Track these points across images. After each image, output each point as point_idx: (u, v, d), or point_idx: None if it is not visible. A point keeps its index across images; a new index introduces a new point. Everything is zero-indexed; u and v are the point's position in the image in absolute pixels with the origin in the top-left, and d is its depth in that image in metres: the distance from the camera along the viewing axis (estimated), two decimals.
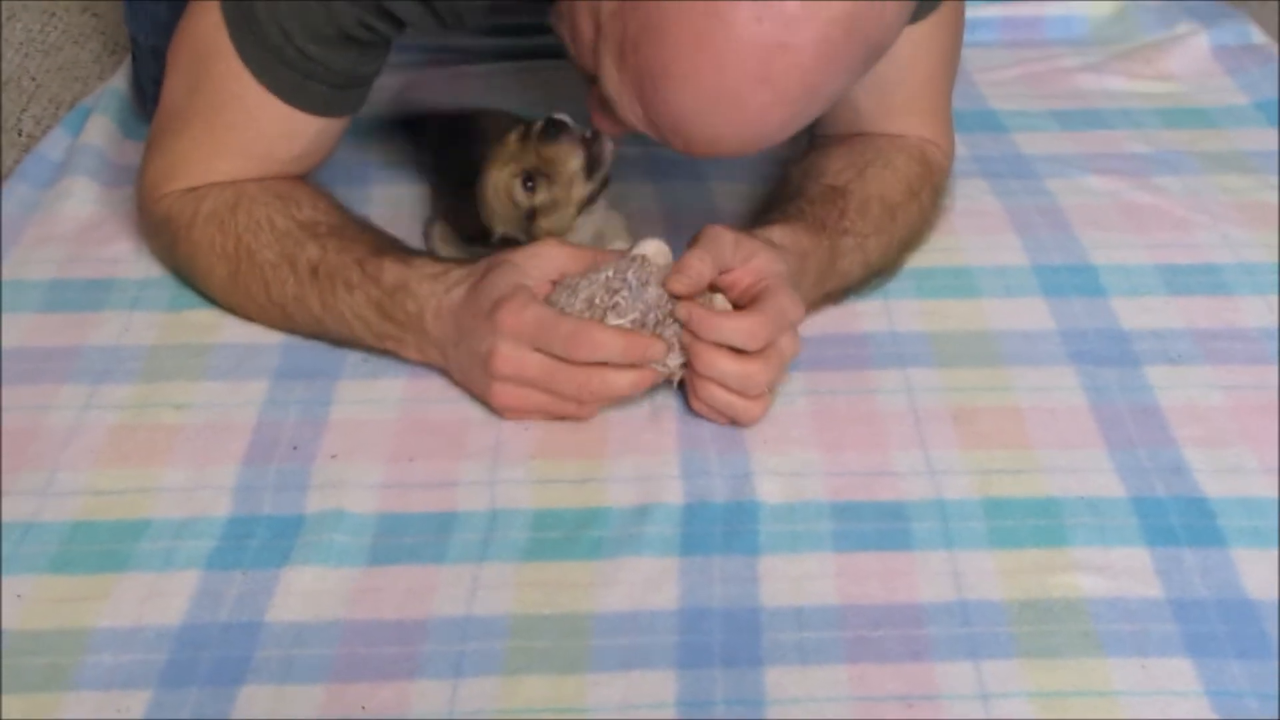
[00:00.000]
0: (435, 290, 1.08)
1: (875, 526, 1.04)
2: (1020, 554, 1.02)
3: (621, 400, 1.11)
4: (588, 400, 1.08)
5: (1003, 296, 1.27)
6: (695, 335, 1.05)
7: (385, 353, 1.14)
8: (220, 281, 1.14)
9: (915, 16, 1.12)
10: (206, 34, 1.13)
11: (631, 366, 1.06)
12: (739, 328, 1.05)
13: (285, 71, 1.12)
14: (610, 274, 1.06)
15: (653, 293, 1.06)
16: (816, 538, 1.03)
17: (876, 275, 1.23)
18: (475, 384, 1.10)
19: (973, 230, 1.35)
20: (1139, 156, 1.49)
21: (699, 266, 1.05)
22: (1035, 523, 1.04)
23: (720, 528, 1.04)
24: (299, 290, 1.11)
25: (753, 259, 1.08)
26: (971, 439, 1.12)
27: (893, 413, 1.14)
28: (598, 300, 1.05)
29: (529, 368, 1.05)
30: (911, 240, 1.26)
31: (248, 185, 1.15)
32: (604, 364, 1.06)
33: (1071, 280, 1.29)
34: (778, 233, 1.13)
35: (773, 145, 0.99)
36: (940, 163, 1.28)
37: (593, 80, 1.03)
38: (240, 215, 1.13)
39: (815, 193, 1.18)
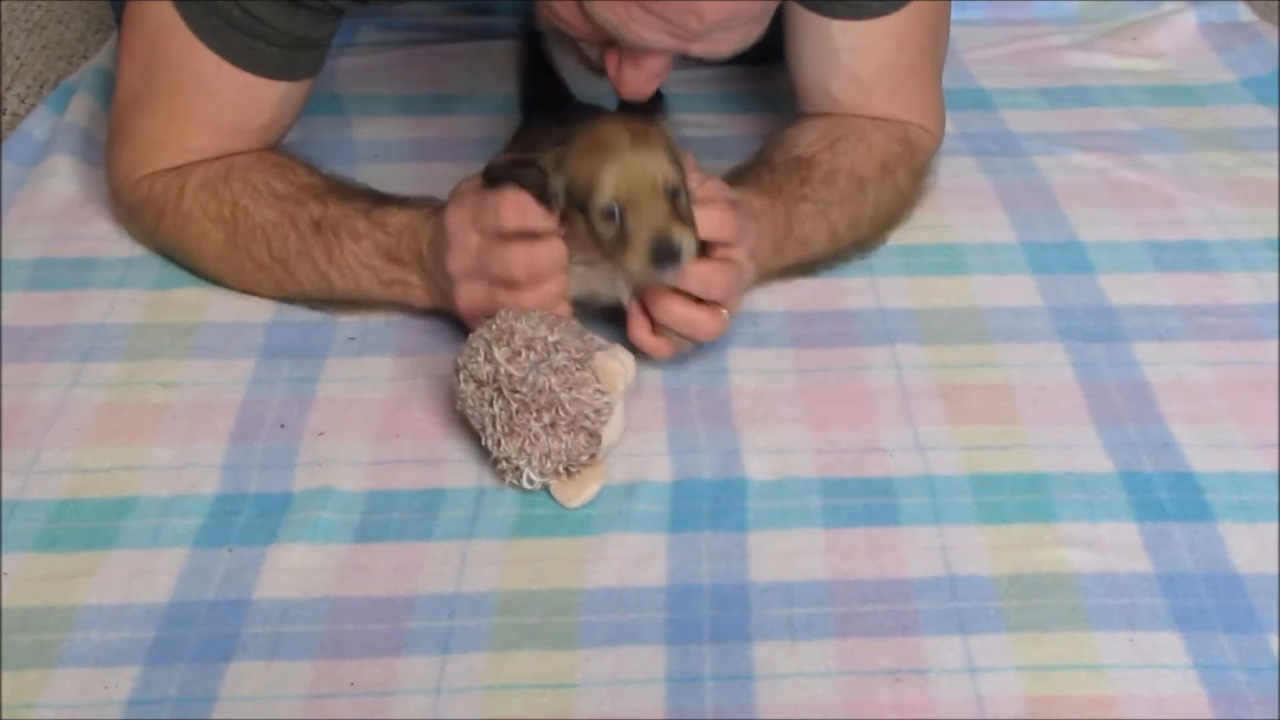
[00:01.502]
0: (431, 222, 1.08)
1: (864, 502, 1.04)
2: (1008, 529, 1.02)
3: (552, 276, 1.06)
4: (529, 275, 1.04)
5: (991, 273, 1.27)
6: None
7: (392, 303, 1.13)
8: (215, 247, 1.13)
9: (887, 6, 1.12)
10: (155, 15, 1.13)
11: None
12: (712, 215, 1.02)
13: (233, 34, 1.10)
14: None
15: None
16: (805, 514, 1.03)
17: (848, 248, 1.22)
18: (451, 302, 1.07)
19: (961, 207, 1.35)
20: (1127, 134, 1.49)
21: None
22: (1024, 498, 1.04)
23: (709, 504, 1.04)
24: (301, 245, 1.09)
25: (707, 182, 1.07)
26: (960, 415, 1.12)
27: (881, 389, 1.14)
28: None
29: (472, 252, 1.03)
30: (888, 217, 1.25)
31: (238, 157, 1.14)
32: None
33: (1060, 257, 1.29)
34: (734, 189, 1.11)
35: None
36: (924, 144, 1.27)
37: (598, 65, 1.03)
38: (235, 182, 1.12)
39: (779, 161, 1.17)
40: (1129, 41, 1.66)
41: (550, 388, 1.00)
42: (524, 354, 1.01)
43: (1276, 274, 1.27)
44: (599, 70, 1.06)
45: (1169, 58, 1.63)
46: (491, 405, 1.02)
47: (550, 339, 1.02)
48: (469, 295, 1.06)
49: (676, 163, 1.03)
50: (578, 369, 1.02)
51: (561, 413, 1.01)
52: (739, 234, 1.05)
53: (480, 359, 1.02)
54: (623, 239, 1.01)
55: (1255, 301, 1.24)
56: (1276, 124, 1.50)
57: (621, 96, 1.07)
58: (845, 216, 1.18)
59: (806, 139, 1.19)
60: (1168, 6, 1.70)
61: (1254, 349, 1.19)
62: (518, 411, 1.01)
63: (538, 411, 1.01)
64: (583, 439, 1.02)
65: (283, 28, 1.11)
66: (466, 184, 1.07)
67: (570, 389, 1.01)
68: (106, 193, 1.34)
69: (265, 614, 0.95)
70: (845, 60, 1.13)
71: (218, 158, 1.15)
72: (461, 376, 1.03)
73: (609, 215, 1.01)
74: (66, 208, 1.34)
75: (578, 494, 1.04)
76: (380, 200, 1.11)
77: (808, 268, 1.20)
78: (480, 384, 1.02)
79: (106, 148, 1.22)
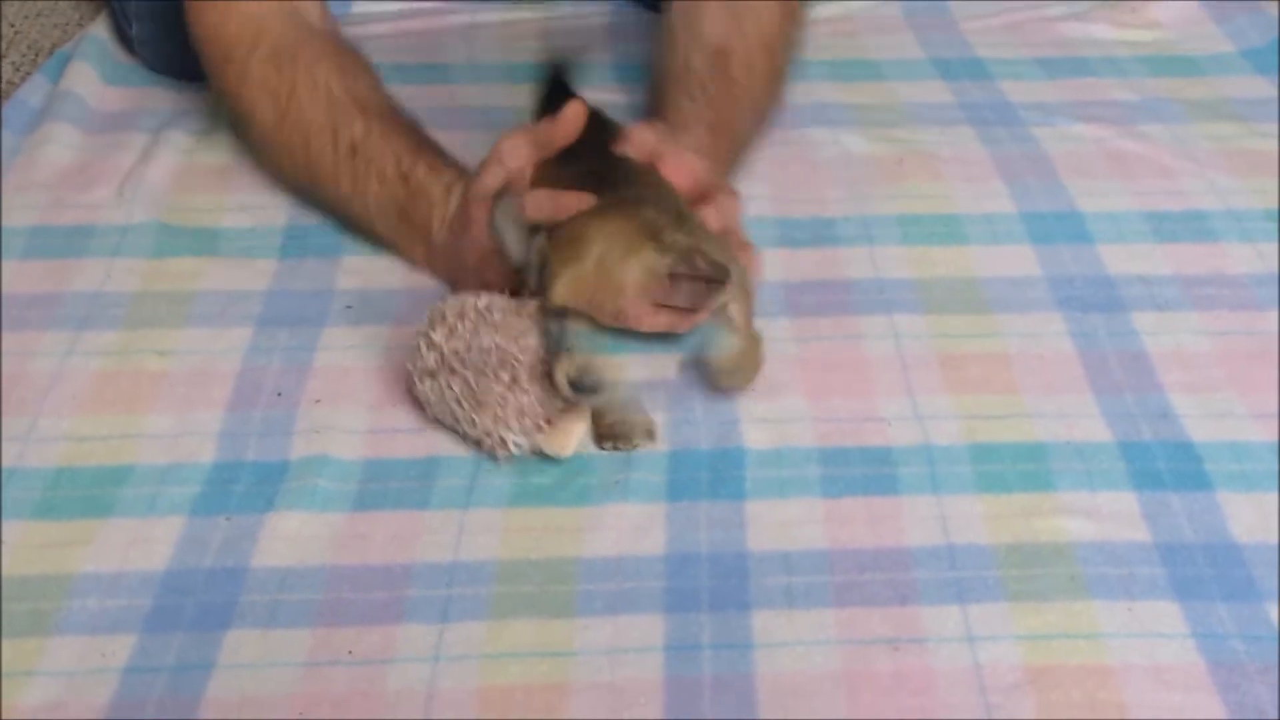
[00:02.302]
0: (448, 200, 1.08)
1: (862, 471, 1.04)
2: (1007, 498, 1.02)
3: None
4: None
5: (989, 243, 1.26)
6: None
7: (394, 251, 1.12)
8: (261, 125, 1.12)
9: None
10: None
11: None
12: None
13: None
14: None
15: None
16: (804, 483, 1.03)
17: (765, 128, 1.21)
18: (464, 280, 1.08)
19: (959, 177, 1.35)
20: (1125, 104, 1.49)
21: (648, 135, 1.05)
22: (1022, 467, 1.04)
23: (706, 474, 1.03)
24: (334, 163, 1.10)
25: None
26: (959, 384, 1.11)
27: (880, 359, 1.14)
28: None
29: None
30: (787, 69, 1.23)
31: (312, 38, 1.13)
32: None
33: (1058, 227, 1.29)
34: (688, 120, 1.13)
35: None
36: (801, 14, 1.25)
37: None
38: (300, 66, 1.11)
39: (701, 64, 1.16)
40: (1127, 12, 1.65)
41: (496, 345, 1.00)
42: (458, 325, 1.00)
43: (1276, 244, 1.26)
44: None
45: (1167, 28, 1.63)
46: (452, 388, 1.01)
47: (479, 304, 1.01)
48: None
49: (678, 229, 0.98)
50: (516, 318, 1.01)
51: (517, 365, 1.00)
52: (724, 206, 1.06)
53: (424, 351, 1.02)
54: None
55: (1254, 271, 1.23)
56: (1275, 94, 1.50)
57: None
58: (770, 89, 1.19)
59: (714, 28, 1.17)
60: None
61: (1253, 319, 1.18)
62: (476, 381, 1.00)
63: (494, 373, 1.00)
64: (548, 384, 1.01)
65: None
66: (486, 171, 1.06)
67: (516, 339, 1.00)
68: (103, 160, 1.34)
69: (263, 582, 0.95)
70: None
71: (292, 20, 1.14)
72: (418, 382, 1.03)
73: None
74: (63, 175, 1.34)
75: (565, 442, 1.03)
76: (416, 147, 1.11)
77: (742, 160, 1.19)
78: (433, 375, 1.02)
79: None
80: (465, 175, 1.11)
